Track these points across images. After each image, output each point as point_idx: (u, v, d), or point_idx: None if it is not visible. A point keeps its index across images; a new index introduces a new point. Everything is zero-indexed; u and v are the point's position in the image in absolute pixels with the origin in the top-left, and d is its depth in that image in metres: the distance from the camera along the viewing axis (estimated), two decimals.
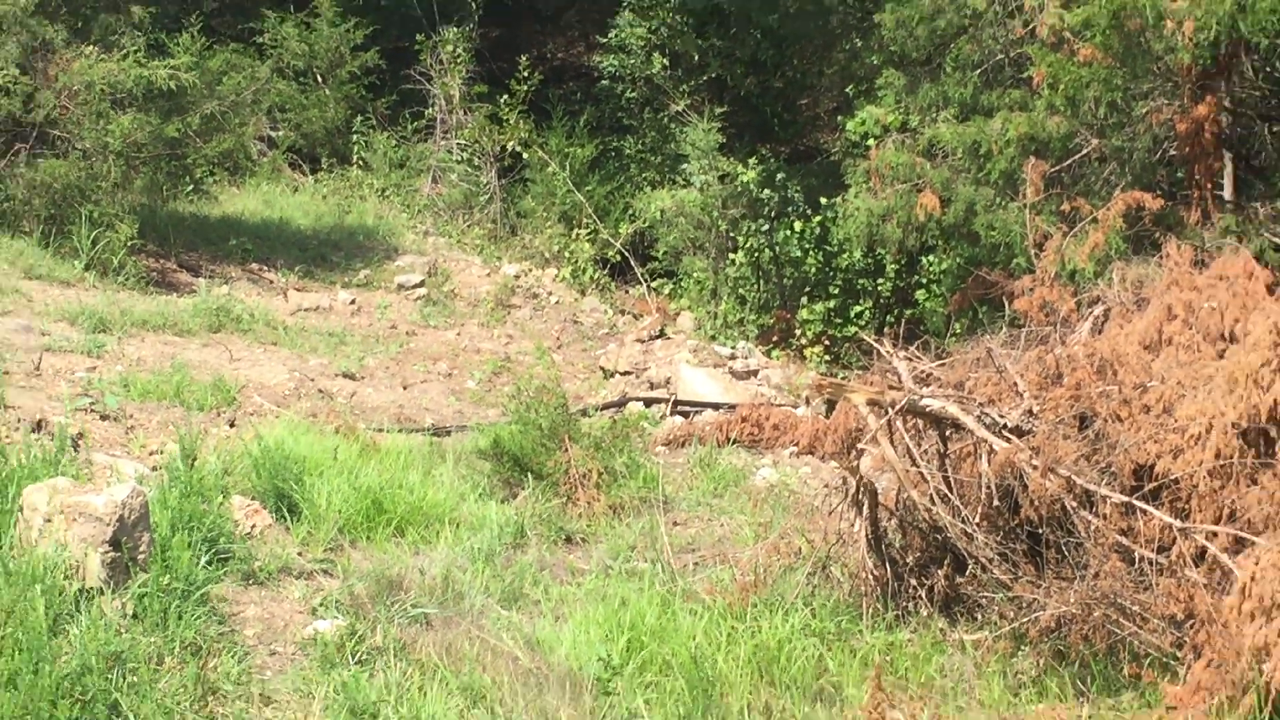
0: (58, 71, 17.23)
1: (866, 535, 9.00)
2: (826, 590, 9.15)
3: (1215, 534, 8.16)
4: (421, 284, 19.84)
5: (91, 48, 17.51)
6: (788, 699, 7.88)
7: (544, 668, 7.50)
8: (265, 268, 19.45)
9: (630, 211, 21.87)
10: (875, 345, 10.91)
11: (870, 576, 9.01)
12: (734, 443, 13.20)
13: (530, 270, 21.53)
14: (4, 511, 7.38)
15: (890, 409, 8.93)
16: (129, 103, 17.17)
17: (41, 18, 17.16)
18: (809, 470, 12.48)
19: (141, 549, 7.48)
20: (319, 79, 24.91)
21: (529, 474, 11.09)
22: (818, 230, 19.11)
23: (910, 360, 10.01)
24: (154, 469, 9.82)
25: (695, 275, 20.85)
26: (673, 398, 15.12)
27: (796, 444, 13.25)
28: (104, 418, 11.10)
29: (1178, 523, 8.35)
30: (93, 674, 5.96)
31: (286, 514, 9.48)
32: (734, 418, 13.84)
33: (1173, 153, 14.11)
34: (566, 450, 11.11)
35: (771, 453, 13.06)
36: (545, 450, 11.11)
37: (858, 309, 18.83)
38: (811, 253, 19.14)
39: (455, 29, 25.30)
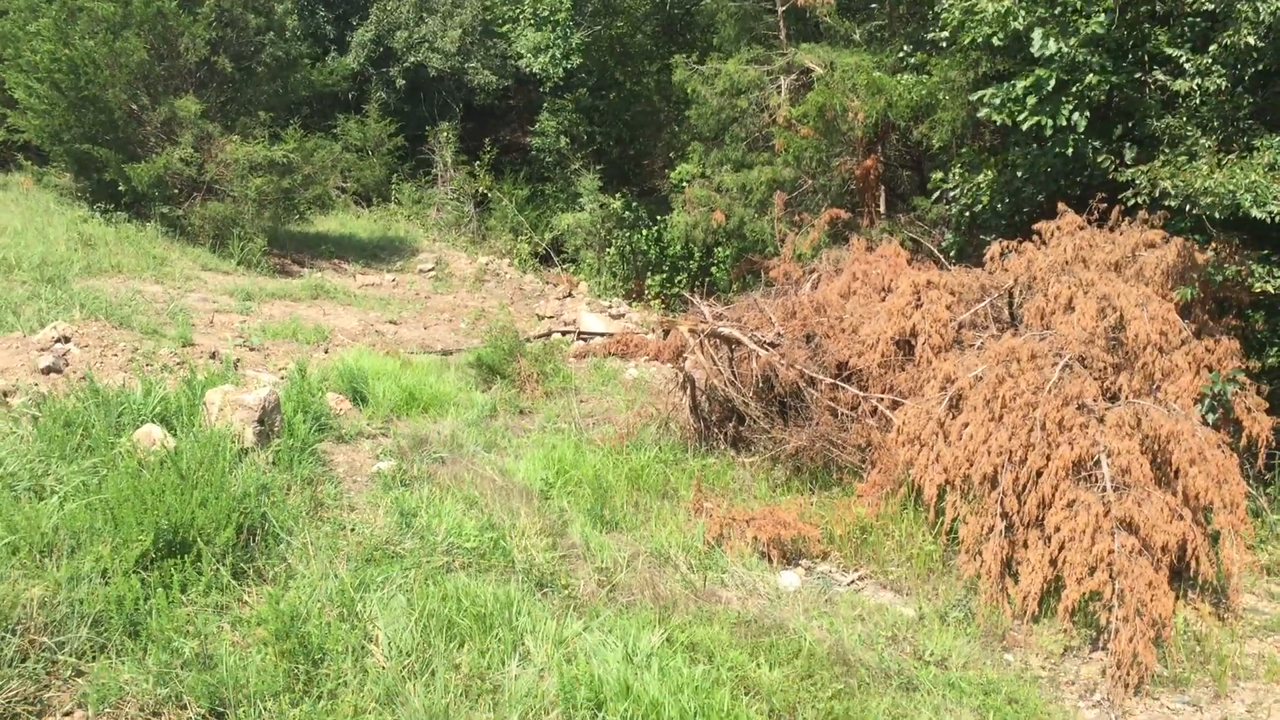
0: (217, 151, 16.74)
1: (689, 405, 9.01)
2: (668, 438, 9.15)
3: (882, 399, 8.26)
4: (433, 269, 19.53)
5: (236, 137, 17.05)
6: (647, 497, 7.90)
7: (510, 485, 7.44)
8: (341, 262, 19.05)
9: (549, 226, 21.81)
10: (690, 298, 10.87)
11: (691, 429, 9.03)
12: (612, 355, 13.15)
13: (494, 260, 21.29)
14: (196, 405, 7.19)
15: (700, 334, 8.93)
16: (260, 169, 16.74)
17: (206, 119, 16.66)
18: (655, 370, 12.47)
19: (277, 424, 7.31)
20: (370, 152, 24.41)
21: (498, 375, 10.98)
22: (656, 235, 19.19)
23: (710, 306, 9.98)
24: (281, 378, 9.61)
25: (588, 261, 20.80)
26: (577, 330, 15.05)
27: (649, 355, 13.22)
28: (251, 350, 10.85)
29: (861, 393, 8.44)
30: (251, 497, 5.83)
31: (359, 402, 9.32)
32: (612, 341, 13.78)
33: (853, 186, 14.19)
34: (519, 361, 11.01)
35: (634, 361, 13.02)
36: (506, 361, 10.99)
37: (679, 278, 18.87)
38: (652, 247, 19.14)
39: (446, 123, 25.11)
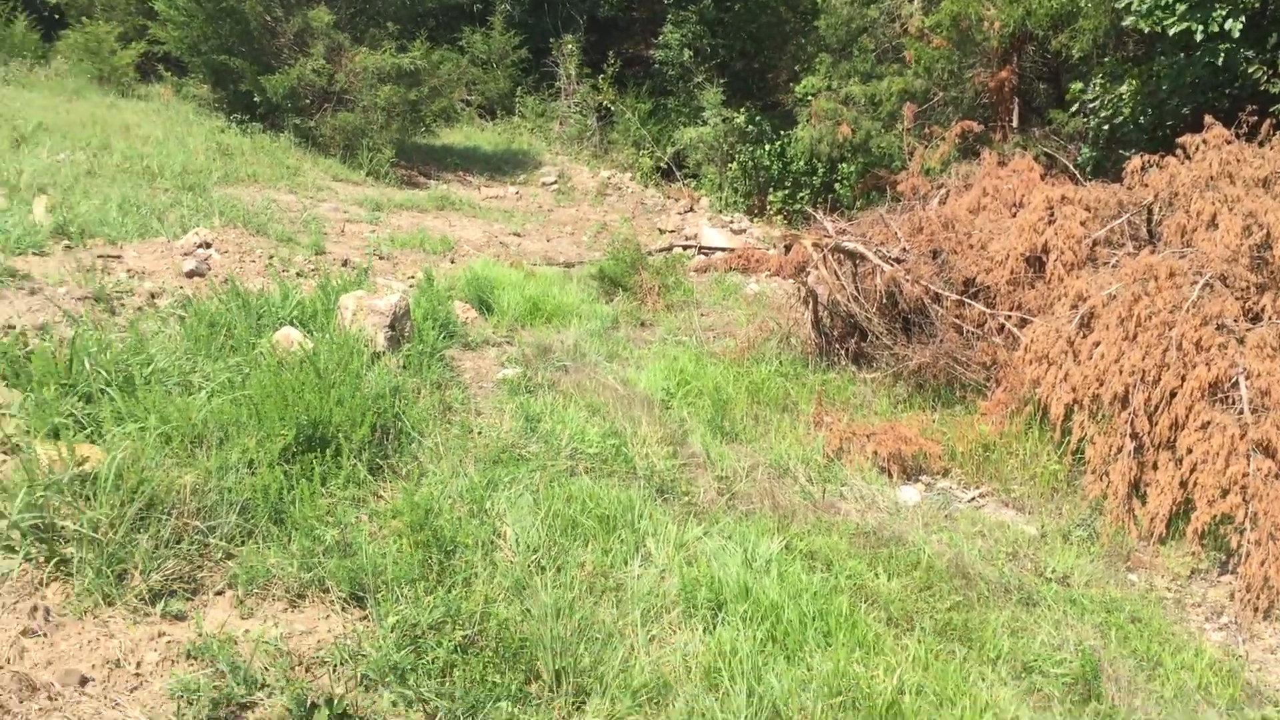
0: (346, 61, 17.01)
1: (810, 320, 8.97)
2: (788, 353, 9.15)
3: (1010, 316, 8.10)
4: (555, 182, 19.64)
5: (365, 48, 17.28)
6: (767, 410, 7.94)
7: (631, 394, 7.54)
8: (466, 174, 19.30)
9: (671, 140, 21.64)
10: (813, 214, 10.75)
11: (812, 344, 9.00)
12: (733, 270, 13.11)
13: (615, 174, 21.28)
14: (330, 310, 7.44)
15: (824, 248, 8.84)
16: (388, 79, 16.97)
17: (336, 30, 16.92)
18: (776, 285, 12.40)
19: (406, 330, 7.53)
20: (494, 65, 24.50)
21: (620, 288, 11.06)
22: (779, 149, 18.90)
23: (833, 222, 9.86)
24: (410, 286, 9.85)
25: (709, 176, 20.65)
26: (699, 244, 15.01)
27: (770, 270, 13.14)
28: (380, 258, 11.12)
29: (988, 311, 8.28)
30: (384, 398, 6.04)
31: (485, 310, 9.51)
32: (733, 256, 13.73)
33: (985, 99, 13.75)
34: (641, 274, 11.07)
35: (755, 276, 12.96)
36: (628, 274, 11.07)
37: (802, 194, 18.61)
38: (775, 162, 18.88)
39: (570, 36, 24.92)
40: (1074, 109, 11.85)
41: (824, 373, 8.75)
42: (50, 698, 3.45)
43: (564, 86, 25.30)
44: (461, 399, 6.99)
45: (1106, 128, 10.59)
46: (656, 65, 25.17)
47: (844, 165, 16.14)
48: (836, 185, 17.96)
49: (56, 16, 23.30)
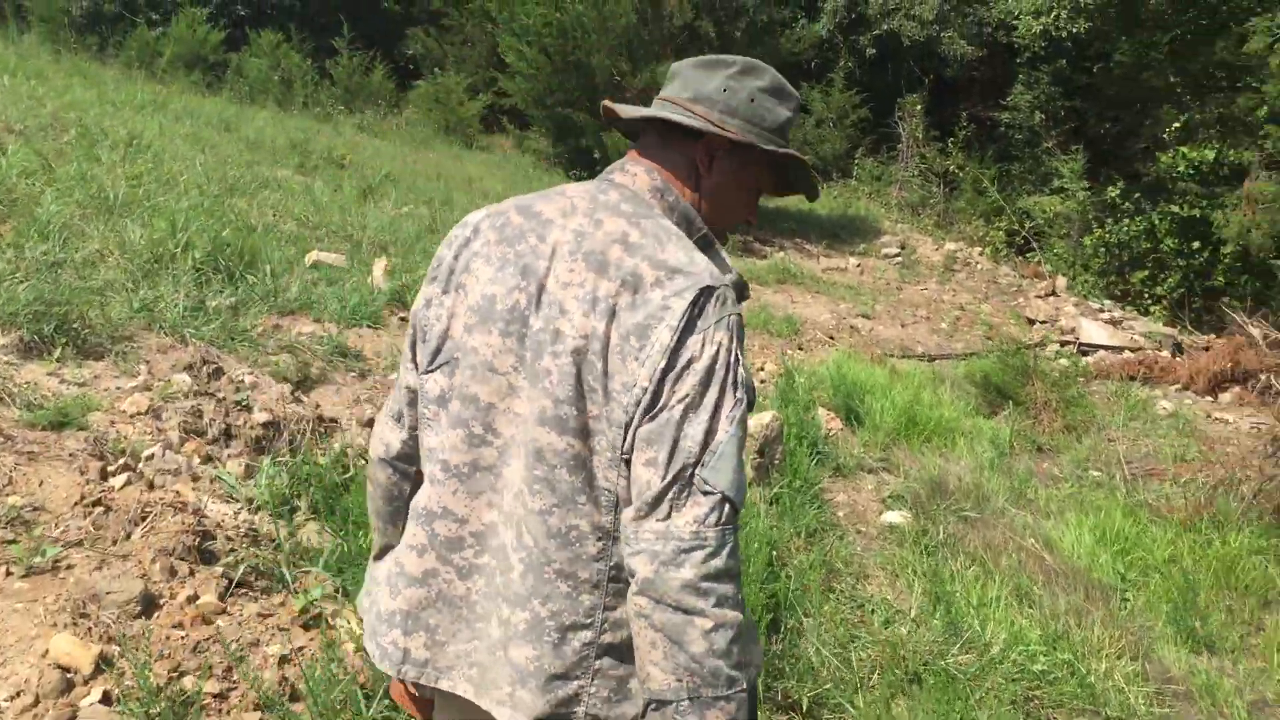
0: None
1: None
2: (1250, 508, 6.97)
3: None
4: (899, 254, 17.87)
5: None
6: (1244, 601, 5.88)
7: (1065, 567, 5.71)
8: (804, 241, 17.86)
9: (1017, 211, 19.61)
10: (1235, 317, 8.54)
11: None
12: (1133, 379, 10.89)
13: (962, 248, 19.28)
14: None
15: None
16: None
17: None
18: (1191, 402, 10.14)
19: (776, 456, 6.05)
20: (832, 125, 23.11)
21: (1006, 398, 9.18)
22: (1147, 226, 16.72)
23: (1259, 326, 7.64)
24: (760, 381, 8.44)
25: (1059, 253, 18.50)
26: (1077, 341, 12.85)
27: (1179, 383, 10.85)
28: None
29: None
30: (768, 565, 4.56)
31: (853, 421, 7.91)
32: (1126, 361, 11.53)
33: None
34: (1033, 383, 9.12)
35: (1160, 387, 10.72)
36: (1019, 382, 9.16)
37: (1164, 276, 16.50)
38: (1142, 241, 16.72)
39: (914, 95, 23.21)
40: None
41: None
42: None
43: (905, 149, 23.62)
44: (843, 556, 5.42)
45: None
46: (1001, 128, 23.21)
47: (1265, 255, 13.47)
48: (1217, 271, 15.54)
49: (411, 67, 23.95)
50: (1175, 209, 16.97)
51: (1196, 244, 16.41)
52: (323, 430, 5.67)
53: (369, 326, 7.54)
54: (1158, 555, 6.04)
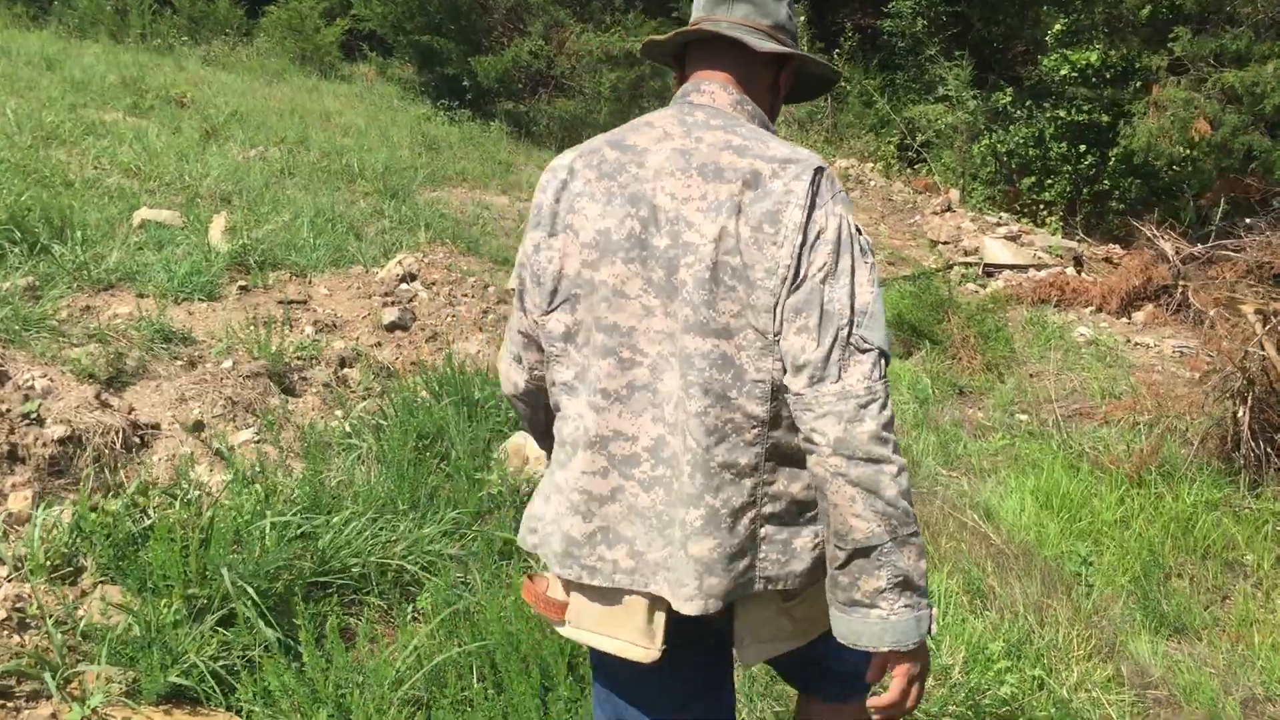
0: (568, 40, 14.91)
1: (1247, 423, 6.14)
2: (1191, 455, 6.38)
3: None
4: None
5: (589, 26, 15.16)
6: (1202, 564, 5.30)
7: (1011, 547, 5.02)
8: None
9: (905, 122, 19.06)
10: (1144, 229, 8.00)
11: (1252, 455, 6.19)
12: (1044, 302, 10.33)
13: (854, 164, 18.60)
14: None
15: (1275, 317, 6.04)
16: (615, 62, 14.77)
17: (556, 5, 14.85)
18: (1106, 326, 9.63)
19: None
20: None
21: (923, 338, 8.46)
22: (1036, 135, 16.26)
23: (1171, 241, 7.08)
24: None
25: (947, 164, 18.02)
26: (981, 262, 12.27)
27: (1090, 304, 10.33)
28: None
29: None
30: None
31: None
32: (1036, 282, 10.96)
33: None
34: (950, 319, 8.43)
35: (1073, 310, 10.18)
36: (934, 320, 8.44)
37: (1051, 182, 16.12)
38: (1032, 148, 16.27)
39: (796, 5, 22.26)
40: None
41: (1272, 501, 5.96)
42: None
43: None
44: None
45: None
46: (884, 36, 22.56)
47: (1181, 168, 12.94)
48: (1104, 175, 15.16)
49: None
50: (1063, 114, 16.53)
51: (1083, 148, 16.00)
52: (138, 441, 4.68)
53: (202, 299, 6.47)
54: (1108, 518, 5.40)
